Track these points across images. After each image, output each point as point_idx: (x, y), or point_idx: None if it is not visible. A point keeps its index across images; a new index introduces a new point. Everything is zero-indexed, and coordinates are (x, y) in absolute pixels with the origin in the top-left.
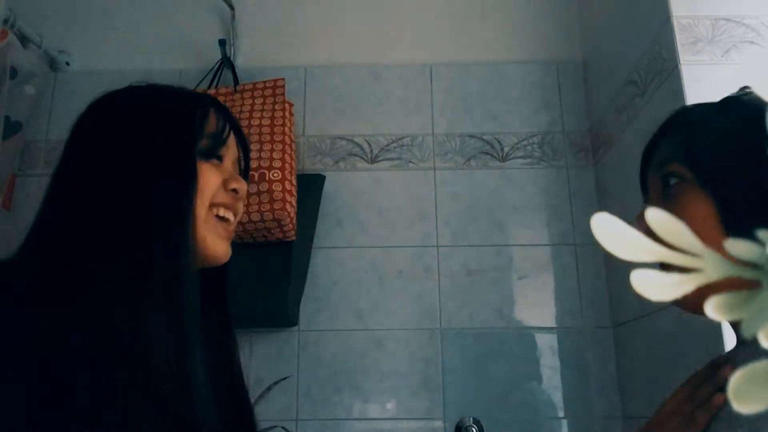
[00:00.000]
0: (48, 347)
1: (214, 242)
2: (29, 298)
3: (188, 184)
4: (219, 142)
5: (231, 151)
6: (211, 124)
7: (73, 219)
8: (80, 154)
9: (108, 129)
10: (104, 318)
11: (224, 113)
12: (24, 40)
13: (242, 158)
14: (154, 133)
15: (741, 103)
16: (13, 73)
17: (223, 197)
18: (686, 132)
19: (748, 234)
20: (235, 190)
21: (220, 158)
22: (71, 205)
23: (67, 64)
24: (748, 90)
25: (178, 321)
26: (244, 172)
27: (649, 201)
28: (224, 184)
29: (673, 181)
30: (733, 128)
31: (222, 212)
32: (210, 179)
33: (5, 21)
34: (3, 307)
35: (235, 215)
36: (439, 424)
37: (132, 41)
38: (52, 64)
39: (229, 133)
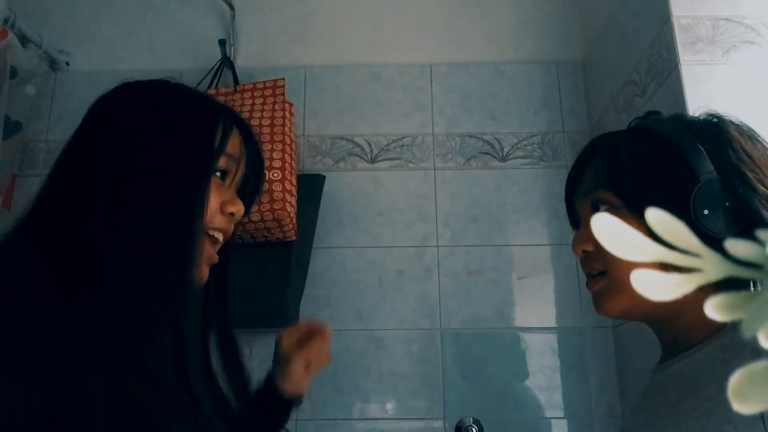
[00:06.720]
0: (60, 346)
1: (199, 265)
2: (32, 291)
3: (202, 203)
4: (233, 161)
5: (241, 168)
6: (233, 143)
7: (79, 216)
8: (91, 148)
9: (124, 126)
10: (119, 322)
11: (244, 129)
12: (24, 40)
13: (256, 176)
14: (172, 143)
15: (651, 129)
16: (13, 73)
17: (219, 221)
18: (608, 159)
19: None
20: (232, 214)
21: (224, 176)
22: (78, 200)
23: (67, 64)
24: (654, 115)
25: (180, 329)
26: (253, 189)
27: (581, 226)
28: (222, 206)
29: (603, 207)
30: (649, 153)
31: (216, 234)
32: (212, 201)
33: (5, 21)
34: (5, 300)
35: (224, 237)
36: (439, 424)
37: (132, 41)
38: (52, 64)
39: (242, 152)
